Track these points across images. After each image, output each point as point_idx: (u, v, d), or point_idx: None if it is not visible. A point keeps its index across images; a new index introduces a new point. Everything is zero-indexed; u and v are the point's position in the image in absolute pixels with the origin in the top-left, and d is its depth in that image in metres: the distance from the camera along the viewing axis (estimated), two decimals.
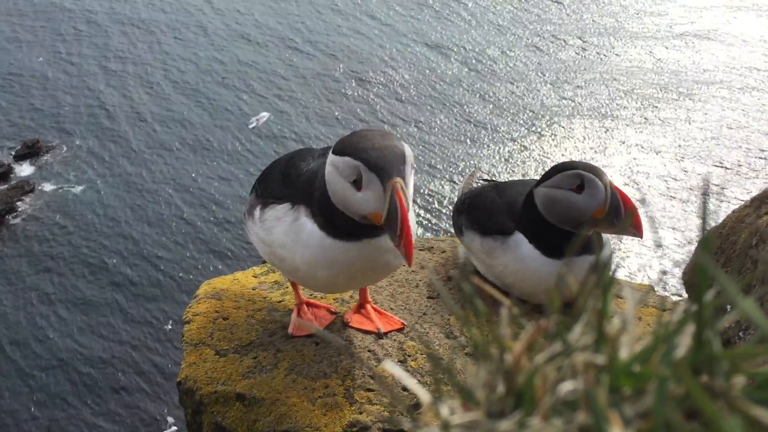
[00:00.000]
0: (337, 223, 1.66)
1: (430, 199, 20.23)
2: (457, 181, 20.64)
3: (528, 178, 2.53)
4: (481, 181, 2.65)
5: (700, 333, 0.47)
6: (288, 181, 1.83)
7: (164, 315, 16.30)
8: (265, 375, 1.99)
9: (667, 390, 0.45)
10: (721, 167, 20.82)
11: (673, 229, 18.52)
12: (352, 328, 2.12)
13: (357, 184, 1.54)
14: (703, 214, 0.48)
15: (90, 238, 18.72)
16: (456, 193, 19.78)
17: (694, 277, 0.49)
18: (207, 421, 1.97)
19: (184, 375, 2.04)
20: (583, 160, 2.12)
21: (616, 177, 20.47)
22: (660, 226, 18.49)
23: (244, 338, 2.14)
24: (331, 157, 1.61)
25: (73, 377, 14.89)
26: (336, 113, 23.41)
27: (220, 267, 17.30)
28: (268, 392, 1.93)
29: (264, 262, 2.65)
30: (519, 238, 2.05)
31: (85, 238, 18.74)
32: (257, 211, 1.89)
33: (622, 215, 1.87)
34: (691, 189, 19.88)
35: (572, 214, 1.95)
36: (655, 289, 2.42)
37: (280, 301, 2.31)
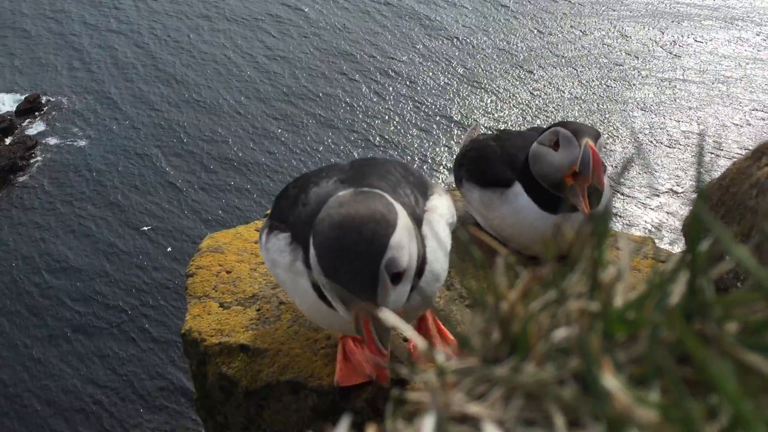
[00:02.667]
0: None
1: (430, 153, 20.14)
2: (447, 139, 20.51)
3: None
4: (482, 135, 2.62)
5: (693, 281, 0.47)
6: (295, 205, 1.56)
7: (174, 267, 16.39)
8: (269, 326, 2.02)
9: (659, 336, 0.45)
10: (721, 124, 20.69)
11: (675, 183, 18.48)
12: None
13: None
14: (699, 163, 0.48)
15: (96, 194, 18.72)
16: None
17: (692, 228, 0.49)
18: (212, 371, 2.01)
19: (189, 327, 2.08)
20: (583, 122, 2.08)
21: (614, 132, 20.33)
22: (660, 180, 18.44)
23: (247, 291, 2.17)
24: (311, 243, 1.30)
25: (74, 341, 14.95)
26: (326, 93, 23.00)
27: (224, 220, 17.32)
28: (271, 343, 1.96)
29: (267, 215, 2.66)
30: (517, 190, 2.05)
31: (91, 193, 18.74)
32: (264, 235, 1.66)
33: (589, 175, 1.81)
34: (691, 144, 19.78)
35: (546, 171, 1.94)
36: (655, 241, 2.43)
37: None
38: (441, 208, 1.57)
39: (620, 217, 16.99)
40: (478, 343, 0.51)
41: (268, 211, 2.72)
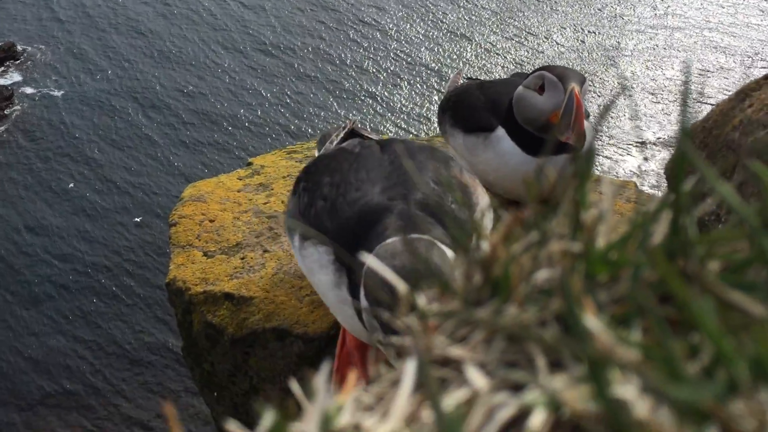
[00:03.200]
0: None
1: (412, 103, 19.97)
2: (430, 87, 20.29)
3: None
4: (465, 80, 2.61)
5: (676, 220, 0.47)
6: (335, 212, 1.41)
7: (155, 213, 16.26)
8: (253, 275, 2.02)
9: (641, 276, 0.45)
10: (705, 69, 20.65)
11: (658, 129, 18.54)
12: None
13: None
14: (684, 100, 0.47)
15: (72, 148, 18.38)
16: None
17: (675, 168, 0.48)
18: (197, 320, 2.01)
19: (173, 276, 2.07)
20: (571, 67, 2.06)
21: (598, 79, 20.26)
22: (643, 127, 18.50)
23: (231, 239, 2.16)
24: (367, 265, 1.19)
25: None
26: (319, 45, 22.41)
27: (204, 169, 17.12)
28: (256, 291, 1.96)
29: (249, 164, 2.64)
30: (500, 135, 2.05)
31: (67, 148, 18.40)
32: (297, 238, 1.52)
33: (572, 122, 1.80)
34: (674, 91, 19.78)
35: (531, 115, 1.94)
36: (638, 185, 2.45)
37: (265, 203, 2.31)
38: (487, 215, 1.52)
39: (601, 164, 17.07)
40: (460, 286, 0.50)
41: (250, 160, 2.69)
